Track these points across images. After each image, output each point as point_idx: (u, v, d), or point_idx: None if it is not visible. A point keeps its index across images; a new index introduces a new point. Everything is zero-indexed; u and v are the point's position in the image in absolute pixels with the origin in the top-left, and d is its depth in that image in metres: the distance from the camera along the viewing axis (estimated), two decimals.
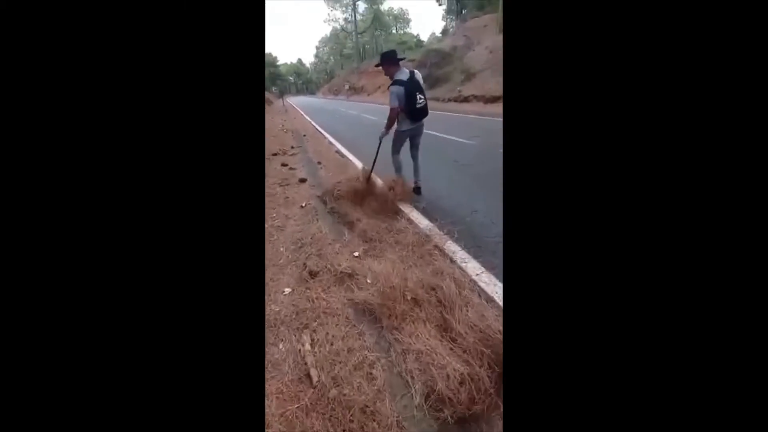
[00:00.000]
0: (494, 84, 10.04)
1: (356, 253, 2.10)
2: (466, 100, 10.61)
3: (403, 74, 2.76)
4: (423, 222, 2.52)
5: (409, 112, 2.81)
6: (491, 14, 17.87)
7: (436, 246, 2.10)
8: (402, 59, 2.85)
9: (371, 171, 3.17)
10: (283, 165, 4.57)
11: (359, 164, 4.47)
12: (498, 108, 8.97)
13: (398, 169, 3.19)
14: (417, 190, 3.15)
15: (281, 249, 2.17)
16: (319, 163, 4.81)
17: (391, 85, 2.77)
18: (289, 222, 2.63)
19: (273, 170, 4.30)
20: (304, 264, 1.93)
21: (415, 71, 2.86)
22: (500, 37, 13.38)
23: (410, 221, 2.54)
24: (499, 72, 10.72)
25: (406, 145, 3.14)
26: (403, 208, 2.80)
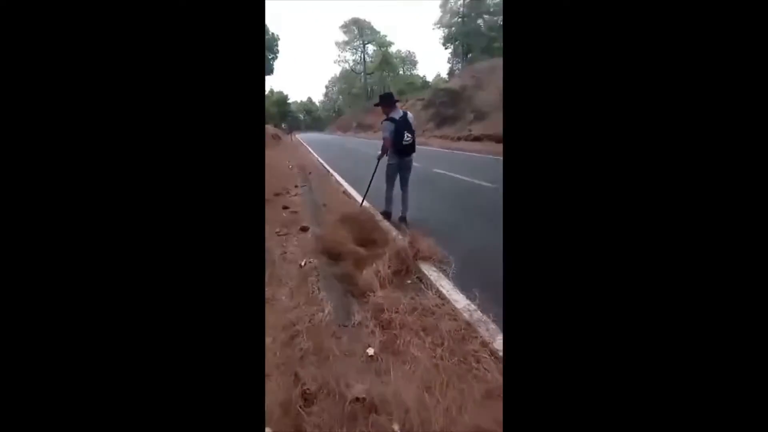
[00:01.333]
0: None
1: (371, 350, 1.51)
2: (477, 139, 10.34)
3: (397, 114, 3.17)
4: (457, 297, 1.93)
5: (396, 148, 3.17)
6: (498, 57, 18.28)
7: (483, 344, 1.51)
8: (398, 101, 3.27)
9: (366, 193, 3.63)
10: (285, 208, 4.07)
11: (369, 207, 3.97)
12: None
13: (388, 202, 3.45)
14: (403, 219, 3.39)
15: (267, 340, 1.58)
16: (324, 205, 4.32)
17: (384, 120, 3.18)
18: (282, 291, 2.06)
19: (273, 214, 3.80)
20: (296, 375, 1.33)
21: (408, 112, 3.30)
22: None
23: (440, 295, 1.95)
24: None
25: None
26: (426, 271, 2.22)
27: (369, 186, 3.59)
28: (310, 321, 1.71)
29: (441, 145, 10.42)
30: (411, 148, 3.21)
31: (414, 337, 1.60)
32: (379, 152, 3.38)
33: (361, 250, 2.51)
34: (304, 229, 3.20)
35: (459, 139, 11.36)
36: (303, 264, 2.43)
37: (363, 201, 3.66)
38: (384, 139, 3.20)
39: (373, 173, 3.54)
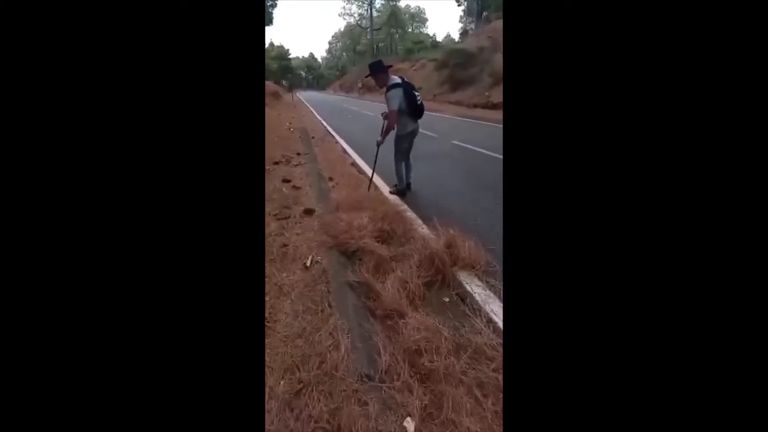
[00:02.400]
0: None
1: (410, 425, 1.04)
2: (495, 106, 9.47)
3: (395, 79, 2.82)
4: None
5: (412, 110, 2.84)
6: None
7: None
8: (390, 66, 2.90)
9: (372, 179, 3.30)
10: (285, 181, 3.51)
11: (383, 186, 3.41)
12: None
13: (402, 178, 3.14)
14: (408, 186, 3.20)
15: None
16: (331, 179, 3.76)
17: (388, 90, 2.76)
18: (283, 306, 1.57)
19: (271, 190, 3.24)
20: None
21: (403, 77, 2.93)
22: None
23: (493, 326, 1.46)
24: None
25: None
26: (469, 286, 1.73)
27: (373, 174, 3.29)
28: (319, 367, 1.23)
29: (456, 112, 9.53)
30: (423, 107, 2.94)
31: (466, 396, 1.14)
32: (380, 138, 3.01)
33: (382, 249, 2.00)
34: (309, 212, 2.66)
35: (476, 106, 10.40)
36: (309, 264, 1.93)
37: (370, 186, 3.23)
38: (390, 112, 2.81)
39: (375, 159, 3.15)
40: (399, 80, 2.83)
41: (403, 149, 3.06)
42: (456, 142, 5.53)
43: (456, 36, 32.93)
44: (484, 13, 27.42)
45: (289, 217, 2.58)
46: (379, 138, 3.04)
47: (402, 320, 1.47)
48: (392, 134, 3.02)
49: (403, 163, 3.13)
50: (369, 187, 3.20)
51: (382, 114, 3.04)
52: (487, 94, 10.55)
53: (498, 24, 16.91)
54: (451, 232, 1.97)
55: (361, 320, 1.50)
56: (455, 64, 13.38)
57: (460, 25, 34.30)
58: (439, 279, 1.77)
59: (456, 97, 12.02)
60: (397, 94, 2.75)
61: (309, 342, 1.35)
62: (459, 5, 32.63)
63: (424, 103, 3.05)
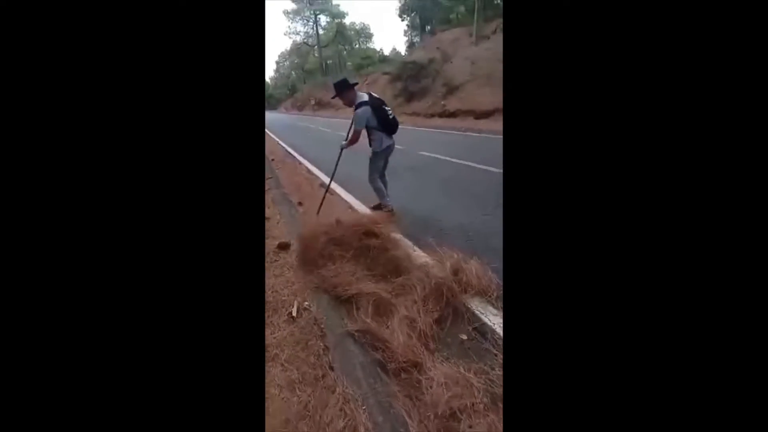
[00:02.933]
0: (483, 96, 9.14)
1: None
2: (452, 114, 9.63)
3: (363, 96, 2.70)
4: None
5: (384, 125, 2.72)
6: (459, 27, 17.50)
7: None
8: (355, 84, 2.75)
9: (328, 187, 3.15)
10: None
11: (355, 203, 3.18)
12: (493, 124, 7.99)
13: (382, 195, 2.92)
14: (390, 212, 2.85)
15: None
16: (300, 203, 3.46)
17: (356, 108, 2.65)
18: (275, 375, 1.26)
19: None
20: None
21: (371, 93, 2.81)
22: (478, 49, 12.78)
23: None
24: (487, 84, 9.91)
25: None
26: (486, 316, 1.52)
27: (331, 180, 3.15)
28: None
29: (415, 123, 9.58)
30: (396, 121, 2.82)
31: None
32: (344, 142, 2.89)
33: (378, 282, 1.75)
34: (284, 247, 2.36)
35: (432, 115, 10.56)
36: (295, 312, 1.63)
37: (322, 204, 3.03)
38: (355, 131, 2.72)
39: (337, 163, 3.02)
40: (366, 97, 2.71)
41: (379, 167, 2.91)
42: (424, 153, 5.43)
43: (402, 49, 33.81)
44: (428, 26, 28.49)
45: None
46: (343, 142, 2.90)
47: (421, 374, 1.23)
48: (367, 151, 2.84)
49: (378, 180, 2.94)
50: (321, 204, 3.01)
51: (340, 145, 2.96)
52: (443, 103, 10.74)
53: (442, 35, 17.55)
54: (455, 255, 1.77)
55: (372, 381, 1.24)
56: (408, 76, 13.57)
57: (405, 38, 35.36)
58: (450, 313, 1.55)
59: (412, 108, 12.14)
60: (365, 113, 2.64)
61: (317, 426, 1.06)
62: (402, 20, 33.64)
63: None
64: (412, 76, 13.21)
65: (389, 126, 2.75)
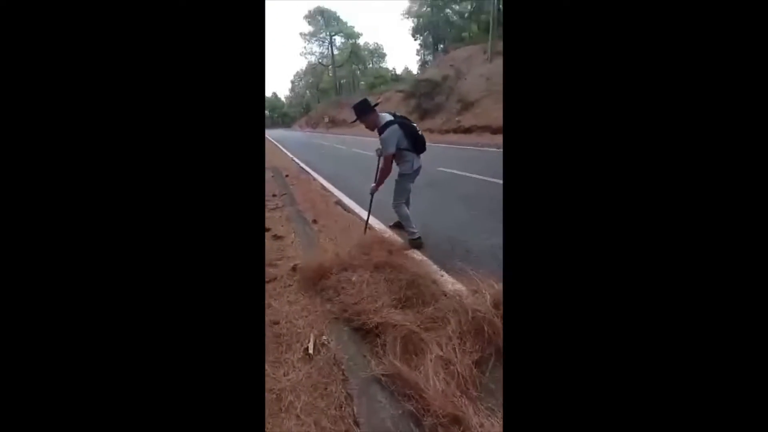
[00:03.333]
0: (499, 111, 9.00)
1: None
2: (468, 130, 9.49)
3: (386, 116, 2.39)
4: None
5: (415, 144, 2.41)
6: (472, 45, 17.62)
7: None
8: (377, 105, 2.42)
9: (366, 230, 2.69)
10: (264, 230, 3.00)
11: (376, 223, 2.98)
12: None
13: (408, 222, 2.53)
14: (418, 241, 2.48)
15: None
16: (315, 221, 3.29)
17: (383, 130, 2.33)
18: (286, 427, 1.05)
19: None
20: None
21: (395, 113, 2.52)
22: (493, 66, 12.76)
23: None
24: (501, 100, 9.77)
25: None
26: None
27: (366, 225, 2.74)
28: None
29: (430, 139, 9.47)
30: (424, 139, 2.51)
31: None
32: (374, 184, 2.56)
33: (406, 314, 1.54)
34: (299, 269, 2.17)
35: (447, 131, 10.47)
36: (311, 348, 1.43)
37: (366, 229, 2.73)
38: (385, 158, 2.38)
39: (369, 208, 2.73)
40: (391, 117, 2.41)
41: (407, 190, 2.56)
42: (441, 169, 5.26)
43: (414, 68, 34.32)
44: (440, 45, 28.93)
45: (275, 278, 2.07)
46: (373, 185, 2.55)
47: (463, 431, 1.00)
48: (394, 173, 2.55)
49: (404, 206, 2.58)
50: (365, 230, 2.71)
51: (376, 151, 2.56)
52: (457, 119, 10.65)
53: (456, 53, 17.68)
54: (495, 286, 1.55)
55: None
56: (422, 93, 13.60)
57: (417, 57, 35.97)
58: (492, 353, 1.33)
59: (427, 125, 12.08)
60: (394, 134, 2.33)
61: None
62: (415, 39, 34.31)
63: None
64: (425, 94, 13.24)
65: (420, 145, 2.45)
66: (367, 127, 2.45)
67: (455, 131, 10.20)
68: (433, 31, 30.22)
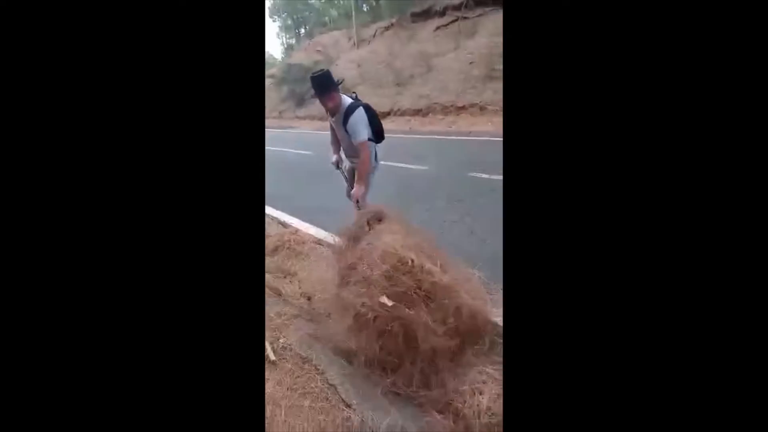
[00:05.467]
0: (377, 98, 9.42)
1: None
2: None
3: (347, 98, 1.97)
4: None
5: (378, 133, 2.04)
6: (337, 31, 17.71)
7: None
8: (341, 82, 1.97)
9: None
10: None
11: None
12: (390, 124, 8.31)
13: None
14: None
15: None
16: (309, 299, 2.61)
17: (349, 114, 1.87)
18: None
19: None
20: None
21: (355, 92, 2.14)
22: (361, 52, 13.13)
23: None
24: (379, 86, 10.26)
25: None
26: None
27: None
28: None
29: (313, 126, 9.34)
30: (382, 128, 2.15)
31: None
32: (354, 189, 2.02)
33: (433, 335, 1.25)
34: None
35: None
36: (271, 355, 1.38)
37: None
38: (365, 147, 1.90)
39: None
40: (350, 98, 1.99)
41: (371, 185, 2.13)
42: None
43: (277, 53, 32.49)
44: (301, 29, 28.02)
45: None
46: (353, 190, 2.04)
47: None
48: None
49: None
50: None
51: (333, 162, 2.16)
52: None
53: (321, 39, 17.49)
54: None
55: None
56: (294, 79, 13.09)
57: (279, 41, 34.12)
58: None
59: (304, 113, 11.77)
60: (364, 117, 1.91)
61: None
62: (273, 21, 32.35)
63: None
64: (298, 80, 12.80)
65: (381, 134, 2.07)
66: (327, 110, 1.94)
67: None
68: (291, 13, 28.99)
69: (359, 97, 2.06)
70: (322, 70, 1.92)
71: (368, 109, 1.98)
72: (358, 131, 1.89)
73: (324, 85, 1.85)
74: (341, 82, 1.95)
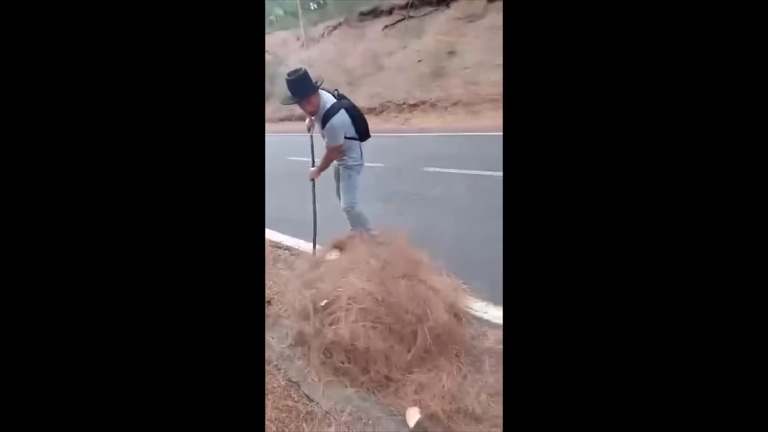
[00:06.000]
0: None
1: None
2: (301, 118, 9.50)
3: (329, 97, 1.89)
4: None
5: (362, 132, 2.00)
6: (284, 31, 17.30)
7: None
8: (318, 83, 1.84)
9: (314, 246, 2.16)
10: None
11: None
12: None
13: (366, 223, 2.14)
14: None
15: None
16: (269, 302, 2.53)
17: (329, 116, 1.81)
18: None
19: None
20: None
21: (337, 90, 2.00)
22: (311, 52, 12.93)
23: None
24: (333, 87, 10.13)
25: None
26: None
27: (315, 239, 2.16)
28: None
29: (270, 129, 9.03)
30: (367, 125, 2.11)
31: None
32: (312, 168, 2.04)
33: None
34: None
35: (282, 120, 10.23)
36: None
37: (315, 248, 2.16)
38: (334, 149, 1.91)
39: (314, 209, 2.12)
40: (333, 98, 1.91)
41: (357, 185, 2.10)
42: (293, 158, 5.24)
43: None
44: None
45: None
46: (312, 169, 2.05)
47: None
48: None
49: (359, 205, 2.14)
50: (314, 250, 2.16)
51: (306, 125, 2.07)
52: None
53: (269, 39, 16.98)
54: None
55: None
56: None
57: None
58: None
59: None
60: (344, 123, 1.88)
61: None
62: None
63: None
64: None
65: (366, 132, 2.03)
66: (306, 112, 1.89)
67: (289, 119, 10.08)
68: None
69: (342, 95, 1.96)
70: (298, 70, 1.77)
71: (352, 109, 1.93)
72: (333, 137, 1.86)
73: (301, 87, 1.74)
74: (320, 83, 1.84)
